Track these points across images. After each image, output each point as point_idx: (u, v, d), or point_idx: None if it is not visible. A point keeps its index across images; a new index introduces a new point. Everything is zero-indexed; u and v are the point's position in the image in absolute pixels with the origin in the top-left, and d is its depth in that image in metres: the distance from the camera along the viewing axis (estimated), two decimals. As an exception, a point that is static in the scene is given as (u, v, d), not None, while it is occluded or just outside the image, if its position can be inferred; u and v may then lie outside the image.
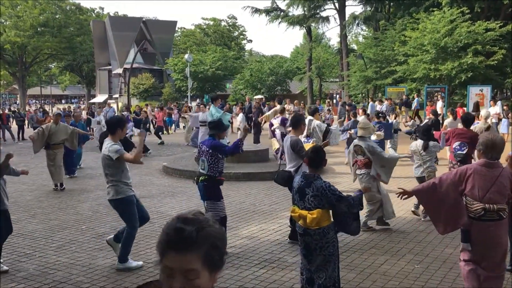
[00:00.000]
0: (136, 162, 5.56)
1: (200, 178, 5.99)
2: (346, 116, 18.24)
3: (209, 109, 13.35)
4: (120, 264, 5.57)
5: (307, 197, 4.17)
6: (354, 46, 44.91)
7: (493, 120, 18.02)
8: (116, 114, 22.72)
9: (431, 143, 7.54)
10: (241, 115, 17.75)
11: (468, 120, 8.03)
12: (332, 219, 4.24)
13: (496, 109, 18.37)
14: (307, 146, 7.97)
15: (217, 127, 6.12)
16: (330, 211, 4.22)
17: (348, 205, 4.16)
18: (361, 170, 7.06)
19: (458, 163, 7.47)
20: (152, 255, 5.94)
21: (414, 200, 8.47)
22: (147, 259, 5.84)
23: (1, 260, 5.60)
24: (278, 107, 14.94)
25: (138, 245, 6.26)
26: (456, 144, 7.86)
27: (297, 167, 6.16)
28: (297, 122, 6.33)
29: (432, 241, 6.46)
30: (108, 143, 5.55)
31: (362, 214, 7.14)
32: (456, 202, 4.13)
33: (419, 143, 7.55)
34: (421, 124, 11.18)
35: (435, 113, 13.04)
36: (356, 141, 7.22)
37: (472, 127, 8.45)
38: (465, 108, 20.16)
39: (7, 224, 5.67)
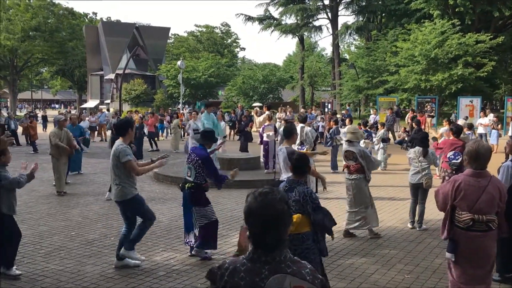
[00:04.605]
0: (138, 175, 5.75)
1: (186, 185, 6.07)
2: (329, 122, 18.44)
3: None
4: (124, 250, 5.68)
5: (289, 202, 4.16)
6: (346, 56, 45.27)
7: (482, 131, 18.23)
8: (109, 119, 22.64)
9: (430, 150, 7.63)
10: (222, 123, 16.89)
11: (458, 130, 8.39)
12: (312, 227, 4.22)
13: (485, 120, 18.57)
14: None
15: (209, 139, 6.24)
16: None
17: (325, 214, 4.16)
18: (353, 175, 7.08)
19: (454, 172, 7.61)
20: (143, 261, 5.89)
21: (406, 209, 8.50)
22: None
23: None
24: (267, 112, 14.89)
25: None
26: (450, 154, 8.03)
27: None
28: (290, 132, 6.29)
29: (422, 250, 6.49)
30: (119, 144, 5.63)
31: (341, 222, 7.14)
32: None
33: (417, 150, 7.58)
34: (415, 133, 11.47)
35: (418, 123, 13.49)
36: (346, 147, 7.24)
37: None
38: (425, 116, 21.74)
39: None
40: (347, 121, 14.92)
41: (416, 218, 7.60)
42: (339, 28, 39.45)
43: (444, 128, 12.57)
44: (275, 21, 42.45)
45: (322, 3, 40.24)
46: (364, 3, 39.41)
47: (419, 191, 7.56)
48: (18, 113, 51.85)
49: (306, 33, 42.95)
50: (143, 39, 51.52)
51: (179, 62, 35.95)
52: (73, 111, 49.24)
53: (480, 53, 27.74)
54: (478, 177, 3.98)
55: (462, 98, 26.72)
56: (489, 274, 4.16)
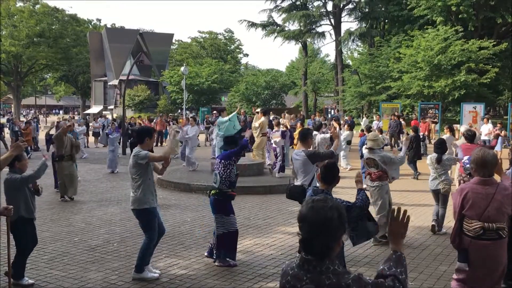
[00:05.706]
0: (165, 158, 5.68)
1: (211, 192, 6.12)
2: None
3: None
4: (135, 273, 5.60)
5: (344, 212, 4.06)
6: (349, 62, 45.29)
7: (486, 138, 18.13)
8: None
9: (445, 156, 7.63)
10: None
11: (470, 136, 8.43)
12: None
13: (489, 126, 18.49)
14: None
15: (233, 143, 6.32)
16: None
17: (358, 207, 4.10)
18: (374, 182, 7.07)
19: (468, 176, 7.64)
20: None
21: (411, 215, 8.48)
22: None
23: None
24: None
25: (131, 257, 6.21)
26: (465, 159, 8.07)
27: (310, 180, 5.95)
28: (305, 136, 6.20)
29: (426, 257, 6.46)
30: (136, 150, 5.65)
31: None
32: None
33: (433, 156, 7.63)
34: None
35: (415, 129, 13.58)
36: (367, 154, 7.23)
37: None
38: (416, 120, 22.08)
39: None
40: (345, 127, 15.00)
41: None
42: (342, 34, 39.51)
43: (446, 136, 12.45)
44: (278, 27, 42.55)
45: (325, 10, 40.36)
46: (367, 10, 39.49)
47: (439, 196, 7.58)
48: (21, 118, 52.01)
49: (309, 39, 43.02)
50: (147, 45, 51.70)
51: (182, 68, 36.08)
52: (76, 117, 49.55)
53: (483, 59, 27.71)
54: (485, 184, 3.95)
55: (465, 104, 26.67)
56: (498, 281, 4.12)
